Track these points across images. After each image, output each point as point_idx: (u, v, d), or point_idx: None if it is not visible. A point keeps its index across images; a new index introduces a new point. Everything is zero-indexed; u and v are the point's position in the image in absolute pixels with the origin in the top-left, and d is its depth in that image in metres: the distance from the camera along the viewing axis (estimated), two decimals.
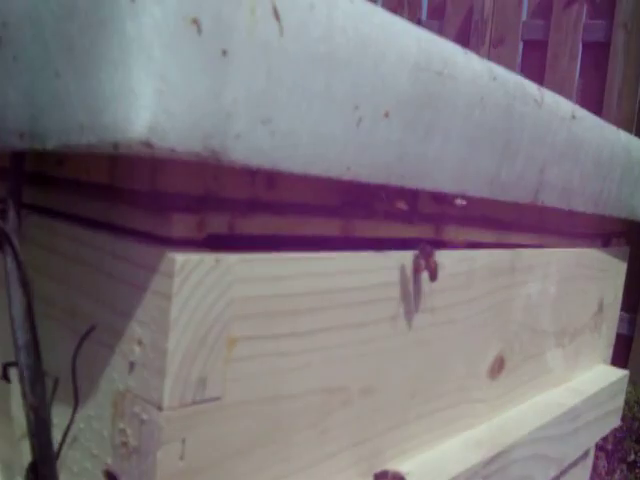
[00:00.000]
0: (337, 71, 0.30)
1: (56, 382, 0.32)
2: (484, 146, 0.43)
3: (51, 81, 0.26)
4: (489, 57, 2.46)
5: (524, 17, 2.38)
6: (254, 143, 0.27)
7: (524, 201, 0.51)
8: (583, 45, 2.27)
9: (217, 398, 0.31)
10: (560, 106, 0.52)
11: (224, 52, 0.25)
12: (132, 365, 0.30)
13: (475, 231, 0.51)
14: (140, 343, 0.29)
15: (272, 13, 0.26)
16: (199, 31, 0.24)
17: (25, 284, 0.30)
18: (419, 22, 2.68)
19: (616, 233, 0.81)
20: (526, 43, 2.42)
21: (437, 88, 0.37)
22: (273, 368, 0.33)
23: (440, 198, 0.44)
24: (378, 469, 0.41)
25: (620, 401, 0.81)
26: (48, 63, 0.27)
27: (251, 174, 0.32)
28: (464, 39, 2.51)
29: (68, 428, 0.31)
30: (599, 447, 1.71)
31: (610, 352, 0.86)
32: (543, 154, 0.51)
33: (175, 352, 0.28)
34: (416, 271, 0.41)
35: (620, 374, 0.80)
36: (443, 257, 0.45)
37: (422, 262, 0.41)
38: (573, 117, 0.54)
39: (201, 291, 0.29)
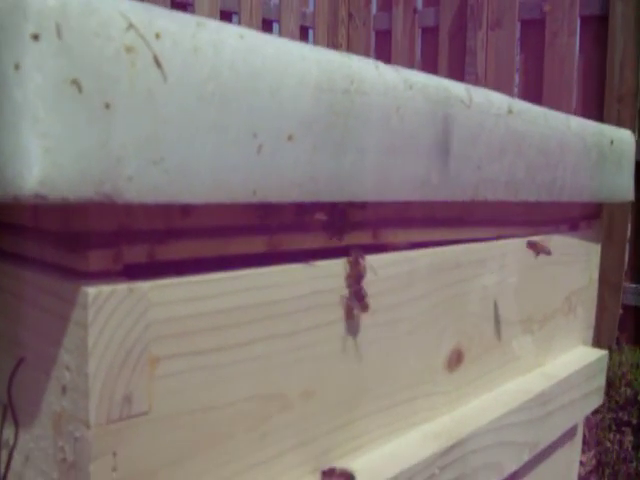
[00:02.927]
0: (229, 105, 0.32)
1: (4, 409, 0.35)
2: (406, 153, 0.45)
3: None
4: (487, 40, 2.46)
5: None
6: (148, 182, 0.29)
7: (464, 199, 0.53)
8: (581, 20, 2.27)
9: (144, 413, 0.33)
10: (493, 103, 0.54)
11: (107, 105, 0.27)
12: (64, 389, 0.32)
13: (418, 232, 0.53)
14: (68, 369, 0.32)
15: (153, 62, 0.29)
16: (80, 90, 0.27)
17: None
18: (415, 11, 2.69)
19: (586, 216, 0.83)
20: (524, 23, 2.42)
21: (345, 106, 0.39)
22: (201, 381, 0.36)
23: (375, 205, 0.47)
24: (326, 467, 0.44)
25: (601, 381, 0.82)
26: None
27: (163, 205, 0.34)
28: (461, 24, 2.52)
29: (12, 449, 0.34)
30: (625, 422, 1.72)
31: (591, 333, 0.88)
32: (478, 152, 0.53)
33: (96, 375, 0.31)
34: (348, 278, 0.43)
35: (599, 354, 0.82)
36: (380, 260, 0.47)
37: (353, 268, 0.43)
38: (510, 112, 0.56)
39: (116, 319, 0.31)
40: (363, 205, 0.45)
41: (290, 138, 0.36)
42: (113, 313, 0.31)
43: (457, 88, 0.50)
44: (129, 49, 0.28)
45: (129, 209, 0.33)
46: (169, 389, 0.34)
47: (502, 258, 0.63)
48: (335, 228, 0.43)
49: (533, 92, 2.37)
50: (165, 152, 0.30)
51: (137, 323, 0.32)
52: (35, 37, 0.26)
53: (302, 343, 0.41)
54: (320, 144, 0.38)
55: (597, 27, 2.24)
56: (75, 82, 0.27)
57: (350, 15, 2.88)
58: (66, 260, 0.33)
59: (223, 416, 0.37)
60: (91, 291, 0.30)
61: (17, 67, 0.26)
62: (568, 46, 2.30)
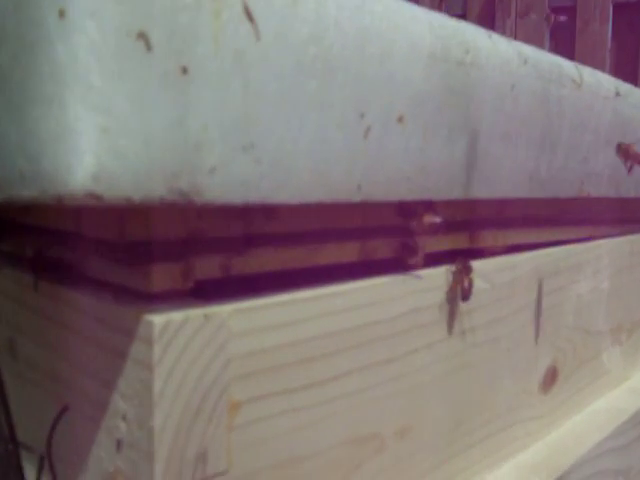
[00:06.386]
0: (334, 75, 0.25)
1: (41, 461, 0.28)
2: (519, 140, 0.37)
3: None
4: (516, 28, 2.37)
5: None
6: (235, 176, 0.22)
7: (568, 195, 0.45)
8: (614, 6, 2.17)
9: (222, 473, 0.26)
10: (602, 84, 0.46)
11: (184, 69, 0.20)
12: (119, 444, 0.25)
13: (515, 233, 0.45)
14: (125, 419, 0.25)
15: (244, 14, 0.21)
16: (148, 47, 0.19)
17: None
18: None
19: None
20: (554, 11, 2.32)
21: (459, 80, 0.31)
22: (288, 427, 0.28)
23: (472, 202, 0.39)
24: None
25: None
26: None
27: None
28: (489, 12, 2.42)
29: None
30: None
31: None
32: (586, 141, 0.45)
33: (164, 430, 0.24)
34: (450, 291, 0.36)
35: None
36: (481, 268, 0.39)
37: (457, 280, 0.36)
38: (617, 94, 0.48)
39: (190, 355, 0.24)
40: (468, 202, 0.37)
41: (400, 120, 0.28)
42: (185, 348, 0.24)
43: (567, 65, 0.42)
44: None
45: (201, 210, 0.25)
46: (251, 440, 0.27)
47: (597, 261, 0.55)
48: (439, 230, 0.35)
49: None
50: (257, 136, 0.22)
51: (215, 359, 0.25)
52: None
53: (399, 371, 0.34)
54: (432, 128, 0.30)
55: (631, 14, 2.13)
56: (142, 35, 0.19)
57: None
58: (121, 277, 0.25)
59: (312, 468, 0.30)
60: (157, 320, 0.23)
61: (62, 14, 0.18)
62: (600, 34, 2.19)
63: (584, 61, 2.14)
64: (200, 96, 0.20)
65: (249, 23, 0.22)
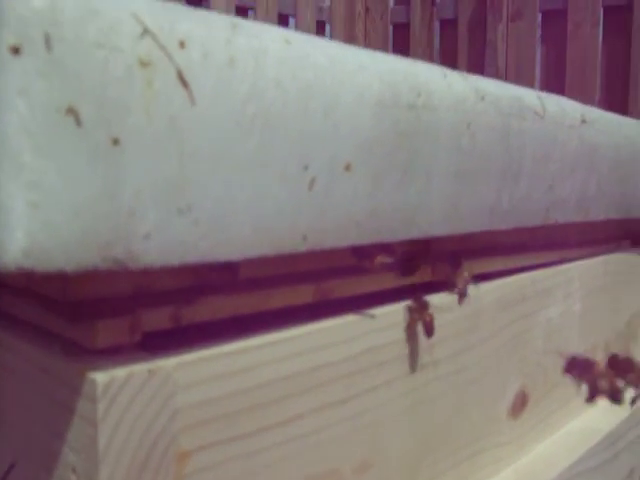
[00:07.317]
0: (275, 131, 0.25)
1: None
2: (477, 176, 0.37)
3: None
4: (507, 32, 2.37)
5: None
6: (171, 239, 0.22)
7: (533, 223, 0.45)
8: (604, 10, 2.17)
9: None
10: (567, 113, 0.46)
11: (115, 141, 0.20)
12: None
13: (479, 263, 0.45)
14: (75, 471, 0.25)
15: (177, 80, 0.22)
16: (78, 122, 0.20)
17: None
18: (433, 4, 2.60)
19: None
20: (545, 14, 2.33)
21: (411, 124, 0.32)
22: (241, 472, 0.29)
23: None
24: None
25: None
26: None
27: None
28: (480, 16, 2.43)
29: None
30: None
31: None
32: (551, 170, 0.45)
33: None
34: (409, 327, 0.36)
35: None
36: (443, 301, 0.40)
37: (415, 317, 0.36)
38: (583, 122, 0.49)
39: (135, 410, 0.24)
40: (426, 240, 0.38)
41: (347, 168, 0.28)
42: (130, 404, 0.24)
43: (530, 97, 0.42)
44: (144, 64, 0.21)
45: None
46: None
47: (567, 284, 0.56)
48: (393, 268, 0.36)
49: (555, 85, 2.27)
50: (194, 198, 0.23)
51: (161, 413, 0.25)
52: (15, 51, 0.19)
53: (357, 410, 0.34)
54: (382, 172, 0.30)
55: (621, 17, 2.13)
56: (72, 111, 0.20)
57: (367, 9, 2.79)
58: (67, 331, 0.26)
59: None
60: (100, 378, 0.23)
61: None
62: (591, 37, 2.19)
63: (575, 63, 2.13)
64: (132, 164, 0.21)
65: (183, 89, 0.22)
